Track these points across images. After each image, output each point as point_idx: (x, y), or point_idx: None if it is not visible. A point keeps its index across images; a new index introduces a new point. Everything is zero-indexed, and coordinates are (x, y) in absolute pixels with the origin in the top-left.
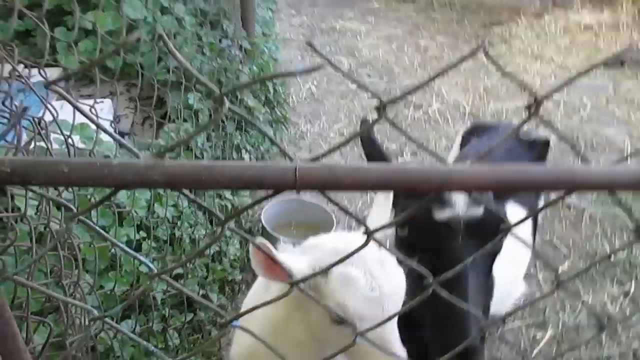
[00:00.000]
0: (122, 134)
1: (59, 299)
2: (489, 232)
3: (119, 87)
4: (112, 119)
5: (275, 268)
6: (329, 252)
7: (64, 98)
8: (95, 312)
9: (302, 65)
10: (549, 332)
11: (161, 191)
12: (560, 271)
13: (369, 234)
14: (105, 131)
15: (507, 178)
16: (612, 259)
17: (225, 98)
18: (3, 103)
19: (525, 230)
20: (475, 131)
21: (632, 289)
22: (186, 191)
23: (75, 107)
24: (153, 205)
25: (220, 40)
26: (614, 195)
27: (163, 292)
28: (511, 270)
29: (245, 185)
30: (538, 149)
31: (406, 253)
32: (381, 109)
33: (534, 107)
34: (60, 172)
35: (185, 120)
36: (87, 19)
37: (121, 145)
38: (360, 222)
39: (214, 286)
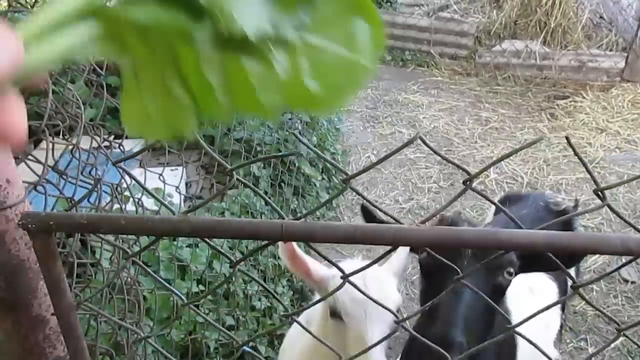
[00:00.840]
0: (192, 198)
1: (125, 326)
2: (495, 265)
3: (193, 156)
4: (177, 185)
5: (296, 262)
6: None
7: (127, 174)
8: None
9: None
10: None
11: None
12: (612, 346)
13: (344, 277)
14: (151, 194)
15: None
16: None
17: (234, 172)
18: (90, 172)
19: (551, 294)
20: (509, 200)
21: None
22: (210, 241)
23: (133, 178)
24: (212, 261)
25: (282, 114)
26: None
27: (215, 342)
28: (540, 334)
29: (247, 236)
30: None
31: (425, 275)
32: (469, 182)
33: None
34: (120, 224)
35: (246, 186)
36: None
37: (162, 204)
38: (337, 266)
39: (263, 339)
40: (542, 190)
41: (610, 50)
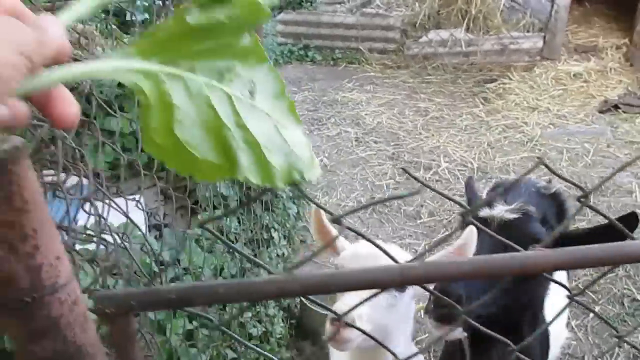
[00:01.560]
0: (158, 226)
1: None
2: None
3: (147, 182)
4: (142, 216)
5: (323, 232)
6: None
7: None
8: None
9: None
10: None
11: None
12: (591, 315)
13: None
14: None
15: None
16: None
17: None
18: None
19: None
20: (501, 188)
21: None
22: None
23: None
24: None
25: None
26: None
27: None
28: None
29: (365, 286)
30: (559, 201)
31: None
32: (466, 215)
33: (584, 199)
34: (218, 293)
35: (215, 208)
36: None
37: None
38: (330, 309)
39: None
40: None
41: (528, 31)
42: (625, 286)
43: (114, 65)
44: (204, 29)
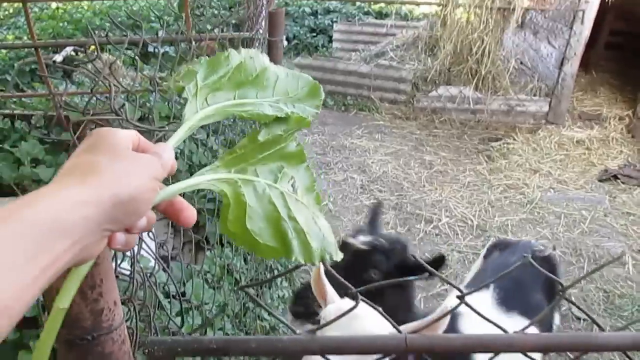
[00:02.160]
0: (165, 258)
1: None
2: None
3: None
4: (152, 248)
5: (320, 287)
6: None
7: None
8: None
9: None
10: None
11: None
12: None
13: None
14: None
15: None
16: None
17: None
18: None
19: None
20: (499, 246)
21: None
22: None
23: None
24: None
25: None
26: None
27: None
28: None
29: (374, 351)
30: (551, 264)
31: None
32: (462, 298)
33: (562, 293)
34: (251, 347)
35: (222, 245)
36: None
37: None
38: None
39: None
40: (528, 240)
41: (535, 95)
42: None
43: (208, 178)
44: (265, 142)
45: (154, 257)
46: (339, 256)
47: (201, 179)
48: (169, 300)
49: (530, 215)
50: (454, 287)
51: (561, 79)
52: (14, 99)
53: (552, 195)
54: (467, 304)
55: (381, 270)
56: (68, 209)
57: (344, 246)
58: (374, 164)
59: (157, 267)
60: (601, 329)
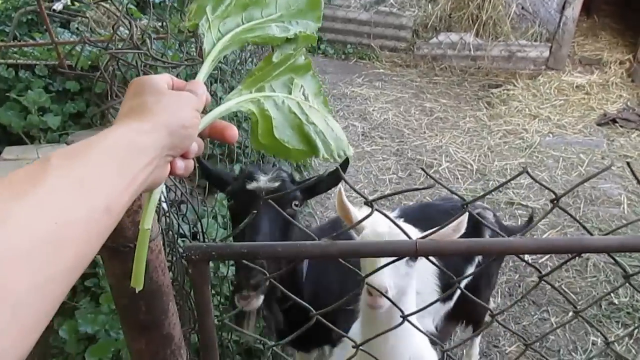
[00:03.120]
0: (177, 203)
1: None
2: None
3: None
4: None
5: (343, 208)
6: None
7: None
8: None
9: None
10: None
11: None
12: (570, 314)
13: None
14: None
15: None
16: (617, 303)
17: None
18: None
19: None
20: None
21: (636, 332)
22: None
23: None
24: (218, 266)
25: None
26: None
27: (234, 342)
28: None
29: (387, 254)
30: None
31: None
32: (465, 206)
33: (555, 202)
34: (277, 250)
35: None
36: None
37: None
38: (362, 195)
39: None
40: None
41: (536, 40)
42: (605, 290)
43: (235, 101)
44: (278, 62)
45: (166, 200)
46: (350, 152)
47: (230, 104)
48: (182, 240)
49: (529, 160)
50: (457, 195)
51: (562, 23)
52: (16, 49)
53: (551, 140)
54: (473, 213)
55: (299, 199)
56: (137, 136)
57: (252, 194)
58: (375, 112)
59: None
60: (590, 233)
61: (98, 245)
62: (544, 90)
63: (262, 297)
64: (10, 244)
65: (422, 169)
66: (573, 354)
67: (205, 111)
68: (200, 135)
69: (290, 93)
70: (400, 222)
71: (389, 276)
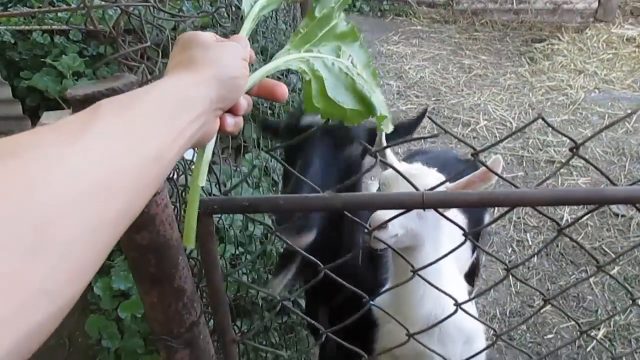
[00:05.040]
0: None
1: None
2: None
3: None
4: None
5: None
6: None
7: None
8: None
9: None
10: (602, 331)
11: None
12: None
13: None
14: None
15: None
16: None
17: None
18: None
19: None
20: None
21: None
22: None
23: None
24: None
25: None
26: None
27: (263, 299)
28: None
29: (392, 206)
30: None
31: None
32: (475, 155)
33: (575, 150)
34: (279, 203)
35: (260, 147)
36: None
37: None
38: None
39: (302, 294)
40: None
41: None
42: None
43: (284, 59)
44: (322, 18)
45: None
46: (390, 128)
47: (279, 62)
48: None
49: (572, 117)
50: (466, 144)
51: None
52: (51, 15)
53: (597, 96)
54: (481, 162)
55: (362, 142)
56: (186, 88)
57: (307, 128)
58: (411, 70)
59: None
60: (613, 183)
61: (147, 197)
62: (591, 44)
63: (314, 232)
64: (61, 188)
65: (428, 117)
66: (612, 314)
67: (251, 70)
68: (248, 93)
69: (337, 57)
70: (428, 168)
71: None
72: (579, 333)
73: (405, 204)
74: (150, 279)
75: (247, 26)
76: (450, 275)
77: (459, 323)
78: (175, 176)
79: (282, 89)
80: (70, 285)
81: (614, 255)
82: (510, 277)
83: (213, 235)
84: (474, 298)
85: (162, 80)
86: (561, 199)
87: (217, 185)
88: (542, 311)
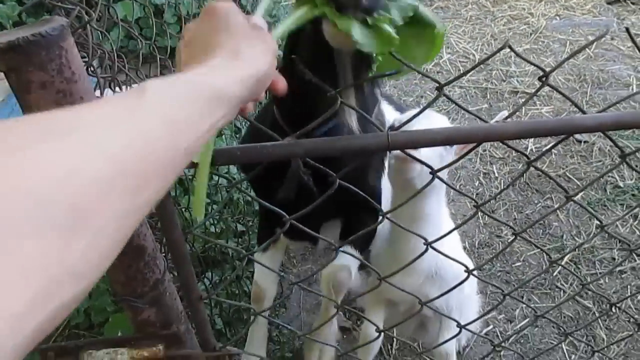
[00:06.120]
0: None
1: None
2: None
3: (153, 71)
4: None
5: None
6: None
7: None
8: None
9: None
10: (568, 255)
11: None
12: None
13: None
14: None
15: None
16: (622, 186)
17: None
18: None
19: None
20: None
21: None
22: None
23: None
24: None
25: None
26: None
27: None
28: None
29: (356, 151)
30: None
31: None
32: (440, 89)
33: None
34: (236, 154)
35: None
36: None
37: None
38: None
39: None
40: None
41: None
42: (610, 175)
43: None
44: None
45: None
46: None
47: (296, 16)
48: None
49: (534, 45)
50: (431, 78)
51: None
52: None
53: (558, 23)
54: (447, 96)
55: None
56: (224, 84)
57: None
58: None
59: None
60: (582, 112)
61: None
62: None
63: None
64: (100, 172)
65: (389, 53)
66: (576, 238)
67: None
68: None
69: None
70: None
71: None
72: (547, 262)
73: (369, 147)
74: None
75: (264, 6)
76: (447, 225)
77: (457, 271)
78: None
79: (283, 83)
80: (97, 269)
81: (577, 181)
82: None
83: (168, 193)
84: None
85: (209, 70)
86: (531, 131)
87: None
88: (509, 240)
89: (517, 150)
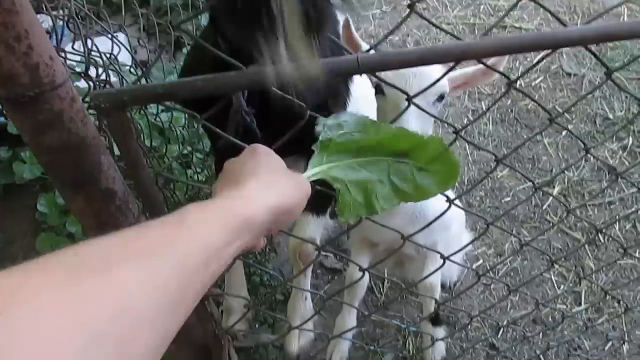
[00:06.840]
0: (143, 63)
1: None
2: None
3: (127, 20)
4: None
5: (351, 42)
6: None
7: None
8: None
9: None
10: (557, 188)
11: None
12: (564, 133)
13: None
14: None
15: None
16: (612, 117)
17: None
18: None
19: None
20: None
21: (630, 142)
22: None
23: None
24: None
25: None
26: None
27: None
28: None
29: (328, 73)
30: None
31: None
32: (413, 5)
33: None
34: (197, 86)
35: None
36: None
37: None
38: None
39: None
40: None
41: None
42: (600, 106)
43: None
44: None
45: (132, 61)
46: None
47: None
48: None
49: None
50: (420, 15)
51: None
52: None
53: None
54: (442, 29)
55: None
56: (255, 212)
57: None
58: None
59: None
60: (564, 24)
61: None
62: None
63: None
64: (144, 304)
65: None
66: (566, 172)
67: None
68: None
69: None
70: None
71: (416, 117)
72: (537, 197)
73: (338, 70)
74: (72, 183)
75: (316, 170)
76: None
77: (440, 208)
78: (95, 73)
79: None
80: None
81: (568, 115)
82: (467, 146)
83: (132, 131)
84: None
85: (249, 201)
86: (510, 46)
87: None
88: (499, 176)
89: (499, 72)
